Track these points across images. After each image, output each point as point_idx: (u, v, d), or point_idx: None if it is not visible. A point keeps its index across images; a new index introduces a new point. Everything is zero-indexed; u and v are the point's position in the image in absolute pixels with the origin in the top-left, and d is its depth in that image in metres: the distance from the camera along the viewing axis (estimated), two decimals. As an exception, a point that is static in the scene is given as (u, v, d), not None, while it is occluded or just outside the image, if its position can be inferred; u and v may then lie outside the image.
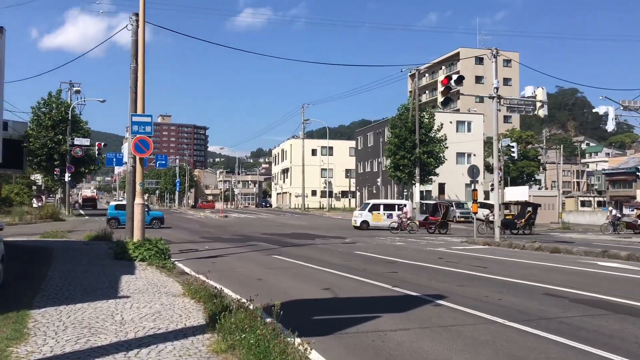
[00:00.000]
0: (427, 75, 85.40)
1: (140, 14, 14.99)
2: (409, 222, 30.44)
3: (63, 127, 44.07)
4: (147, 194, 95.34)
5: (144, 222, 14.31)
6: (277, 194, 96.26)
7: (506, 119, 75.98)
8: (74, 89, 46.60)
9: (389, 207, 33.24)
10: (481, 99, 70.03)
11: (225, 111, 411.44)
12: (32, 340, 5.65)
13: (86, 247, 16.38)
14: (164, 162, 58.33)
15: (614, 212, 33.73)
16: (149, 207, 34.55)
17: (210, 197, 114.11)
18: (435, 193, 54.33)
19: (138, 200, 14.41)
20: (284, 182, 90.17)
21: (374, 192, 62.01)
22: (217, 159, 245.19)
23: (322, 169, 77.42)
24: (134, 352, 5.32)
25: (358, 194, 70.67)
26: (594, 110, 36.59)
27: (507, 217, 32.02)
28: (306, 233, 28.31)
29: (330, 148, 77.34)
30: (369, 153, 66.83)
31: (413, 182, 42.91)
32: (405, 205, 33.34)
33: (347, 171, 79.49)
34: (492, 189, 41.67)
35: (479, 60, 77.91)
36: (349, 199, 78.12)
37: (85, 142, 44.12)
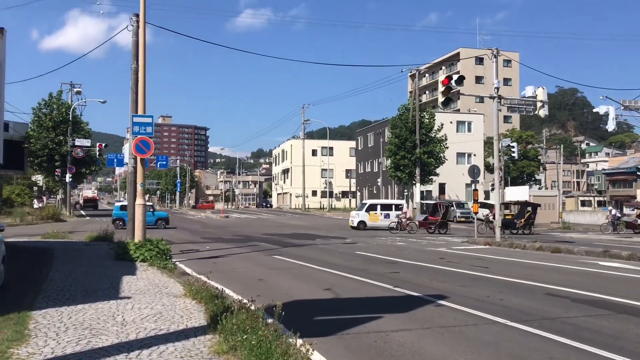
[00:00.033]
0: (427, 75, 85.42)
1: (140, 15, 14.98)
2: (408, 222, 30.41)
3: (64, 128, 44.07)
4: (147, 195, 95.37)
5: (145, 223, 14.29)
6: (278, 194, 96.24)
7: (506, 119, 76.01)
8: (75, 89, 46.63)
9: (385, 207, 33.19)
10: (481, 99, 70.02)
11: (225, 112, 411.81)
12: (33, 341, 5.63)
13: (87, 247, 16.37)
14: (164, 162, 58.38)
15: (613, 211, 33.71)
16: (154, 208, 34.60)
17: (210, 198, 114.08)
18: (435, 193, 54.30)
19: (139, 201, 14.40)
20: (284, 182, 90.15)
21: (375, 192, 61.97)
22: (218, 160, 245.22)
23: (323, 169, 77.38)
24: (135, 354, 5.30)
25: (358, 194, 70.64)
26: (594, 110, 36.59)
27: (506, 217, 32.00)
28: (307, 233, 28.30)
29: (331, 148, 77.30)
30: (369, 153, 66.80)
31: (413, 182, 42.88)
32: (402, 205, 33.30)
33: (348, 171, 79.46)
34: (492, 189, 41.65)
35: (479, 61, 77.92)
36: (350, 199, 78.06)
37: (86, 143, 44.11)
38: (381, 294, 9.97)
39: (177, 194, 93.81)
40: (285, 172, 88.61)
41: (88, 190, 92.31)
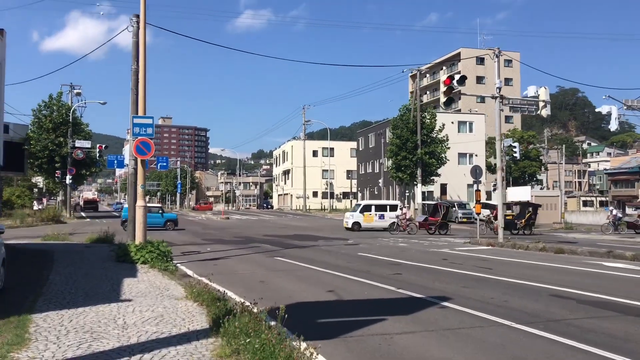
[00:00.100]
0: (428, 75, 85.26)
1: (141, 16, 14.91)
2: (408, 223, 30.29)
3: (64, 130, 44.03)
4: (148, 196, 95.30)
5: (145, 225, 14.20)
6: (279, 195, 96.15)
7: (507, 119, 75.91)
8: (75, 91, 46.59)
9: (380, 208, 33.03)
10: (482, 99, 70.00)
11: (226, 113, 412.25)
12: (33, 345, 5.56)
13: (88, 249, 16.32)
14: (165, 164, 58.29)
15: (614, 212, 33.60)
16: (163, 210, 34.56)
17: (211, 199, 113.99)
18: (437, 194, 54.17)
19: (140, 202, 14.32)
20: (285, 183, 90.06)
21: (376, 193, 61.87)
22: (218, 161, 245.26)
23: (324, 170, 77.31)
24: (137, 358, 5.23)
25: (359, 195, 70.53)
26: (596, 110, 36.54)
27: (507, 217, 31.90)
28: (308, 234, 28.21)
29: (332, 149, 77.22)
30: (370, 154, 66.71)
31: (415, 182, 42.77)
32: (397, 206, 33.18)
33: (349, 172, 79.40)
34: (494, 190, 41.53)
35: (480, 61, 77.81)
36: (351, 200, 77.97)
37: (86, 144, 44.03)
38: (384, 295, 9.88)
39: (178, 195, 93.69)
40: (286, 173, 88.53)
41: (88, 192, 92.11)
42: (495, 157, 34.74)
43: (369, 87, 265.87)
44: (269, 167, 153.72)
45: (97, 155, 47.32)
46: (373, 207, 33.00)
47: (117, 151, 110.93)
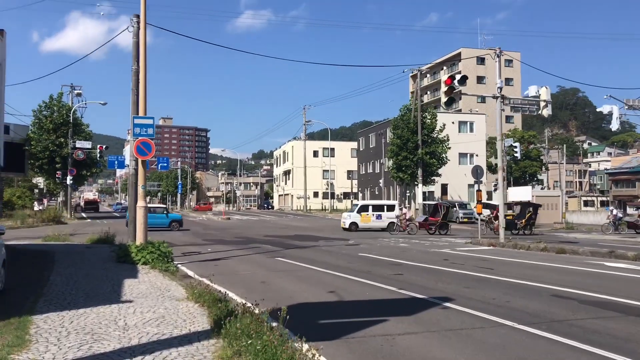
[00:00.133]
0: (428, 75, 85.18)
1: (141, 16, 14.88)
2: (408, 223, 30.24)
3: (64, 130, 44.02)
4: (148, 197, 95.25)
5: (146, 225, 14.19)
6: (279, 195, 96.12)
7: (508, 119, 75.91)
8: (75, 91, 46.55)
9: (377, 208, 32.96)
10: (483, 99, 69.99)
11: (226, 113, 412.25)
12: (33, 347, 5.54)
13: (88, 250, 16.29)
14: (165, 164, 58.27)
15: (614, 211, 33.54)
16: (168, 210, 34.58)
17: (212, 199, 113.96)
18: (438, 194, 54.13)
19: (140, 203, 14.30)
20: (285, 183, 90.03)
21: (376, 193, 61.84)
22: (219, 161, 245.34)
23: (324, 171, 77.27)
24: (138, 359, 5.21)
25: (360, 195, 70.51)
26: (597, 110, 36.58)
27: (507, 217, 31.87)
28: (309, 235, 28.18)
29: (332, 149, 77.18)
30: (370, 154, 66.68)
31: (416, 183, 42.73)
32: (394, 206, 33.14)
33: (349, 172, 79.37)
34: (495, 190, 41.48)
35: (481, 61, 77.81)
36: (351, 200, 77.96)
37: (87, 145, 44.03)
38: (386, 296, 9.85)
39: (178, 195, 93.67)
40: (287, 173, 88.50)
41: (89, 193, 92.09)
42: (495, 157, 34.71)
43: (370, 87, 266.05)
44: (269, 167, 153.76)
45: (98, 155, 47.33)
46: (370, 208, 32.94)
47: (117, 152, 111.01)
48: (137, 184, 14.81)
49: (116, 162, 34.20)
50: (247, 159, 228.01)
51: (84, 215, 56.52)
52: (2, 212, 36.25)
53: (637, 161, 72.93)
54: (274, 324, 5.91)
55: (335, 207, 72.02)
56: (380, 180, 57.29)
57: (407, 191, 47.32)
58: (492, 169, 56.76)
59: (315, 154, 80.00)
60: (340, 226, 33.87)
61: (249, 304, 6.93)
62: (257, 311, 6.46)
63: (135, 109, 15.42)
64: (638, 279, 12.36)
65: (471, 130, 58.65)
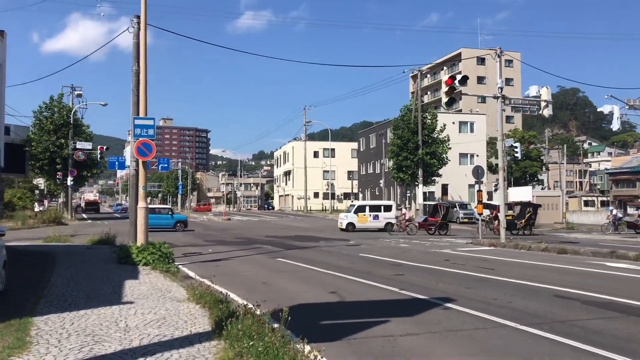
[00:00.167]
0: (429, 76, 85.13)
1: (141, 16, 14.87)
2: (408, 223, 30.21)
3: (65, 131, 44.00)
4: (149, 197, 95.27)
5: (147, 226, 14.17)
6: (280, 196, 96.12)
7: (508, 119, 75.86)
8: (76, 92, 46.54)
9: (374, 209, 32.94)
10: (483, 99, 69.97)
11: (226, 114, 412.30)
12: (34, 349, 5.52)
13: (89, 251, 16.28)
14: (166, 165, 58.49)
15: (614, 212, 33.52)
16: (173, 211, 34.58)
17: (212, 200, 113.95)
18: (438, 194, 54.10)
19: (141, 204, 14.28)
20: (286, 184, 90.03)
21: (377, 193, 61.82)
22: (219, 162, 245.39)
23: (325, 171, 77.24)
24: (139, 361, 5.20)
25: (361, 195, 70.49)
26: (598, 110, 36.55)
27: (507, 217, 31.85)
28: (310, 235, 28.16)
29: (332, 150, 77.15)
30: (371, 154, 66.66)
31: (416, 183, 42.70)
32: (391, 206, 33.11)
33: (350, 173, 79.34)
34: (495, 190, 41.44)
35: (481, 61, 77.79)
36: (352, 201, 77.95)
37: (87, 145, 44.01)
38: (387, 297, 9.83)
39: (179, 196, 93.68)
40: (287, 174, 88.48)
41: (89, 194, 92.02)
42: (496, 158, 34.62)
43: (370, 87, 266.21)
44: (269, 168, 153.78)
45: (98, 156, 47.28)
46: (367, 208, 32.92)
47: (118, 152, 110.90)
48: (138, 184, 14.79)
49: (117, 163, 34.20)
50: (247, 160, 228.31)
51: (84, 216, 56.51)
52: (3, 213, 36.25)
53: (638, 161, 72.88)
54: (276, 325, 5.89)
55: (335, 208, 71.96)
56: (381, 181, 57.26)
57: (408, 191, 47.29)
58: (492, 169, 56.71)
59: (316, 154, 79.98)
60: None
61: (250, 305, 6.92)
62: (258, 312, 6.44)
63: (136, 109, 15.41)
64: (639, 279, 12.33)
65: (471, 130, 58.62)
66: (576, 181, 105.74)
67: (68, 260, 13.65)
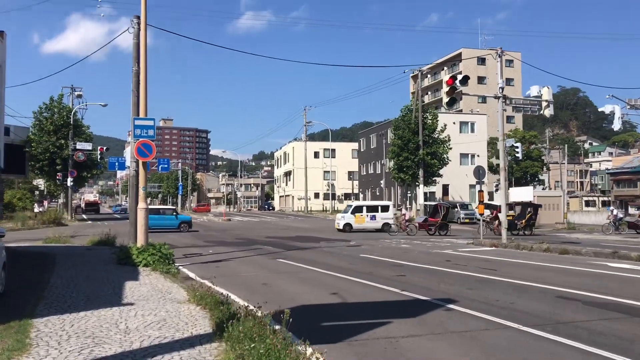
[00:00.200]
0: (429, 76, 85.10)
1: (141, 17, 14.82)
2: (408, 224, 30.14)
3: (65, 132, 43.99)
4: (149, 198, 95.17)
5: (147, 227, 14.12)
6: (280, 196, 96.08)
7: (509, 119, 75.76)
8: (76, 93, 46.55)
9: (371, 209, 32.85)
10: (484, 99, 69.91)
11: (227, 114, 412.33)
12: (34, 351, 5.48)
13: (89, 252, 16.24)
14: (166, 165, 58.42)
15: (614, 212, 33.45)
16: (177, 212, 34.54)
17: (212, 201, 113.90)
18: (439, 194, 54.05)
19: (141, 204, 14.23)
20: (286, 184, 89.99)
21: (377, 194, 61.78)
22: (220, 162, 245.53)
23: (325, 172, 77.20)
24: (140, 364, 5.15)
25: (361, 196, 70.44)
26: (599, 110, 36.46)
27: (507, 217, 31.81)
28: (310, 236, 28.10)
29: (333, 150, 77.12)
30: (372, 155, 66.62)
31: (417, 183, 42.67)
32: (388, 206, 33.04)
33: (350, 173, 79.28)
34: (496, 190, 41.40)
35: (481, 61, 77.72)
36: (352, 201, 77.86)
37: (87, 146, 44.00)
38: (389, 298, 9.78)
39: (179, 197, 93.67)
40: (288, 174, 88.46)
41: (89, 194, 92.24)
42: (497, 158, 34.55)
43: (370, 87, 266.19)
44: (270, 168, 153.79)
45: (98, 157, 47.23)
46: (364, 208, 32.83)
47: (118, 153, 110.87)
48: (138, 185, 14.75)
49: (117, 163, 34.16)
50: (247, 160, 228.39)
51: (84, 216, 56.49)
52: (3, 214, 36.23)
53: (639, 161, 72.84)
54: (277, 327, 5.83)
55: (336, 208, 71.87)
56: (382, 181, 57.22)
57: (409, 192, 47.26)
58: (493, 169, 56.69)
59: (316, 154, 79.97)
60: (341, 227, 33.72)
61: (251, 307, 6.87)
62: (259, 314, 6.39)
63: (136, 110, 15.36)
64: (642, 280, 12.28)
65: (472, 130, 58.58)
66: (577, 181, 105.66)
67: (68, 261, 13.60)
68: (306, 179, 67.95)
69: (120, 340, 5.97)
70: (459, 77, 19.40)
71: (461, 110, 68.60)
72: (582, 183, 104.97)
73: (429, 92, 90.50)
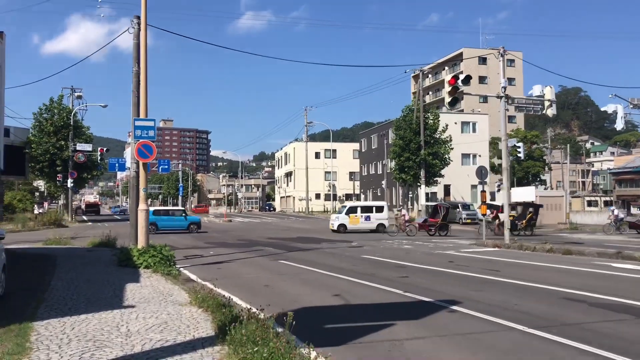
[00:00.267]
0: (430, 76, 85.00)
1: (142, 17, 14.76)
2: (408, 224, 30.04)
3: (65, 133, 43.95)
4: (150, 199, 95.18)
5: (147, 228, 14.06)
6: (281, 197, 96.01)
7: (511, 119, 75.64)
8: (76, 94, 46.49)
9: (366, 210, 32.74)
10: (485, 99, 69.79)
11: (227, 115, 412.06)
12: (34, 354, 5.41)
13: (90, 254, 16.17)
14: (166, 166, 58.46)
15: (615, 212, 33.35)
16: (186, 213, 34.47)
17: (213, 201, 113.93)
18: (440, 195, 53.95)
19: (142, 206, 14.16)
20: (287, 185, 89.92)
21: (379, 194, 61.71)
22: (220, 163, 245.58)
23: (326, 172, 77.11)
24: (141, 367, 5.07)
25: (362, 196, 70.36)
26: (602, 109, 36.33)
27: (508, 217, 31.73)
28: (312, 237, 28.02)
29: (334, 151, 77.05)
30: (373, 155, 66.56)
31: (418, 184, 42.58)
32: (383, 207, 32.93)
33: (351, 174, 79.17)
34: (498, 190, 41.28)
35: (482, 61, 77.60)
36: (353, 202, 77.75)
37: (88, 147, 43.95)
38: (392, 299, 9.70)
39: (180, 198, 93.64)
40: (288, 175, 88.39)
41: (90, 195, 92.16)
42: (498, 158, 34.38)
43: (371, 88, 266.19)
44: (270, 169, 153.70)
45: (99, 158, 47.18)
46: (359, 209, 32.72)
47: (118, 154, 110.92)
48: (139, 186, 14.68)
49: (117, 164, 34.16)
50: (248, 161, 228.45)
51: (85, 218, 56.44)
52: (3, 216, 36.18)
53: (640, 161, 72.74)
54: (280, 330, 5.76)
55: (337, 209, 71.87)
56: (383, 182, 57.15)
57: (410, 192, 47.17)
58: (494, 169, 56.58)
59: (317, 155, 79.87)
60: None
61: (254, 309, 6.79)
62: (262, 316, 6.31)
63: (136, 111, 15.30)
64: (647, 280, 12.19)
65: (474, 130, 58.46)
66: (579, 181, 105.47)
67: (68, 263, 13.53)
68: (307, 180, 67.88)
69: (121, 343, 5.90)
70: (461, 76, 19.32)
71: (462, 110, 68.49)
72: (584, 183, 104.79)
73: (430, 92, 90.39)
